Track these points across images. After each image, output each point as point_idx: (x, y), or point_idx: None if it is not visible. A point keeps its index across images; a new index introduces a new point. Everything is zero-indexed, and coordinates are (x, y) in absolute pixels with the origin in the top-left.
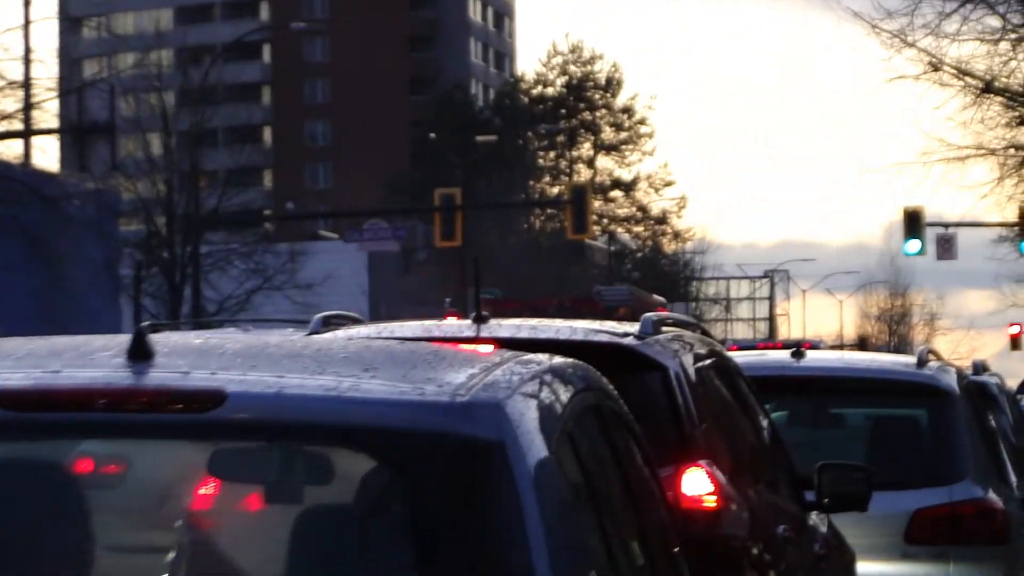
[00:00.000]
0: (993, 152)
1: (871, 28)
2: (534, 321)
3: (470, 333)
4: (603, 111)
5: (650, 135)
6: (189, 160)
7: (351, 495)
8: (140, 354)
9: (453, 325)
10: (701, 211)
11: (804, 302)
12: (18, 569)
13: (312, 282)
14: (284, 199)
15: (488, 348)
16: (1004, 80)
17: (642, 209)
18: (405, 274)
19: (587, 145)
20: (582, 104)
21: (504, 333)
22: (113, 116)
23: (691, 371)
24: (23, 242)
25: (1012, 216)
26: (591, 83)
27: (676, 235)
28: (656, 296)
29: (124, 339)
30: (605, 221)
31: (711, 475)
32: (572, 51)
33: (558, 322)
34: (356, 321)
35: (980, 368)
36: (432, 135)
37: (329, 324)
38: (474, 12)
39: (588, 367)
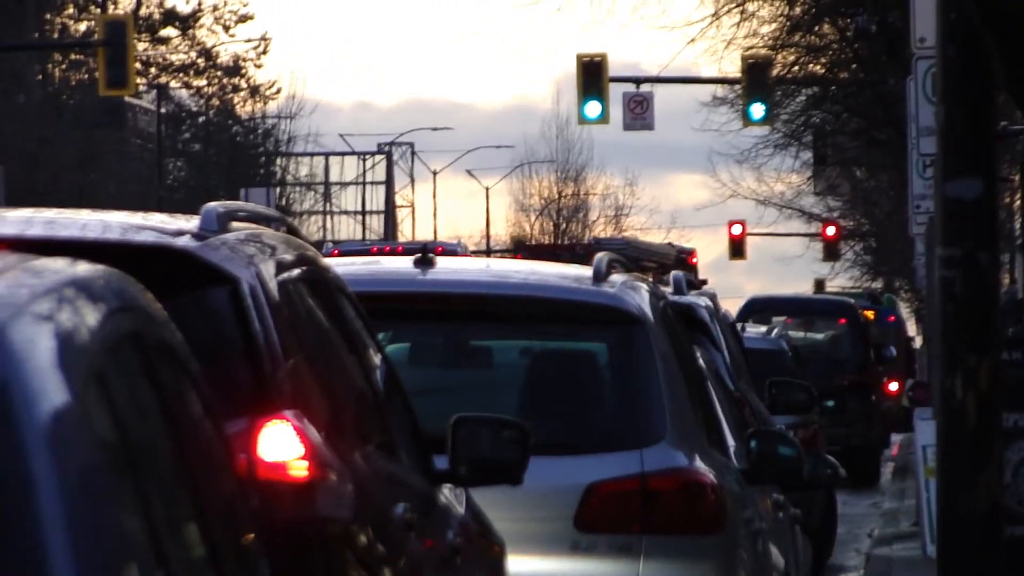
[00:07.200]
0: None
1: None
2: (51, 212)
3: None
4: None
5: None
6: None
7: None
8: None
9: None
10: (291, 58)
11: (435, 188)
12: None
13: None
14: None
15: None
16: None
17: (206, 54)
18: None
19: None
20: None
21: (7, 229)
22: None
23: (272, 285)
24: None
25: (733, 68)
26: None
27: (254, 91)
28: (669, 244)
29: None
30: (154, 71)
31: (300, 432)
32: None
33: (86, 214)
34: None
35: (685, 284)
36: None
37: None
38: None
39: (126, 278)
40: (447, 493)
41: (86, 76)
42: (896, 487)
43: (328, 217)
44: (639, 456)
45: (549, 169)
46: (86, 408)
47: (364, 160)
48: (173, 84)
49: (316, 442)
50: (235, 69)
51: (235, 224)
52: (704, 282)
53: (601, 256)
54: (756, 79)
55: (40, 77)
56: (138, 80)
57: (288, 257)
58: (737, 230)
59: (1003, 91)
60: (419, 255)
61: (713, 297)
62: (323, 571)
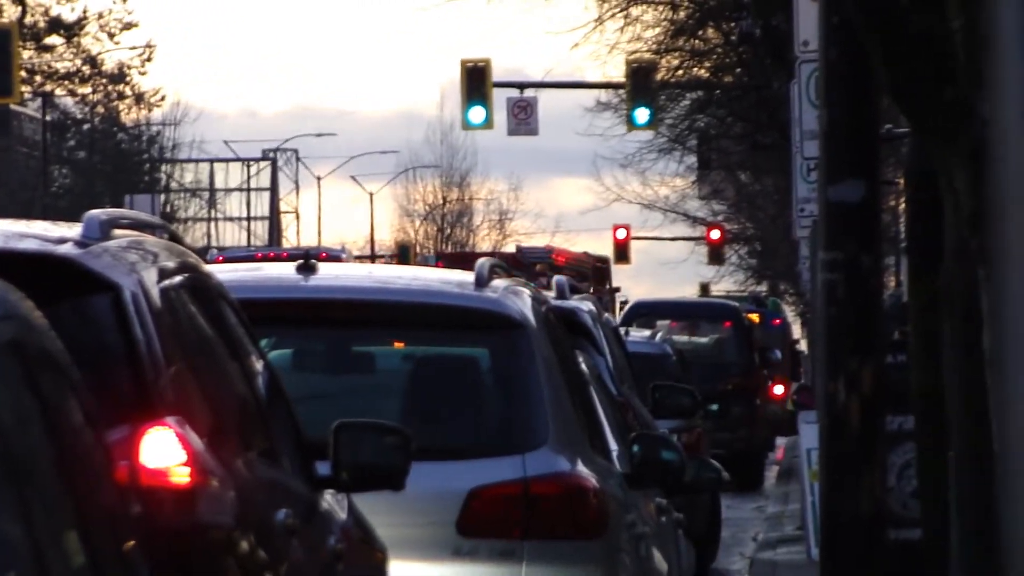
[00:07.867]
0: None
1: None
2: None
3: None
4: None
5: None
6: None
7: None
8: None
9: None
10: (176, 65)
11: (320, 194)
12: None
13: None
14: None
15: None
16: None
17: (91, 62)
18: None
19: None
20: None
21: None
22: None
23: (154, 292)
24: None
25: (616, 73)
26: None
27: (139, 98)
28: (585, 253)
29: None
30: (39, 79)
31: (182, 438)
32: None
33: None
34: None
35: (566, 289)
36: None
37: None
38: None
39: (7, 286)
40: (329, 499)
41: None
42: (780, 491)
43: (213, 223)
44: (521, 461)
45: (433, 174)
46: None
47: (249, 166)
48: (58, 92)
49: (198, 449)
50: (120, 76)
51: (117, 231)
52: (617, 289)
53: (483, 261)
54: (640, 83)
55: None
56: (23, 88)
57: (170, 264)
58: (622, 234)
59: (886, 94)
60: (301, 261)
61: (625, 304)
62: None
